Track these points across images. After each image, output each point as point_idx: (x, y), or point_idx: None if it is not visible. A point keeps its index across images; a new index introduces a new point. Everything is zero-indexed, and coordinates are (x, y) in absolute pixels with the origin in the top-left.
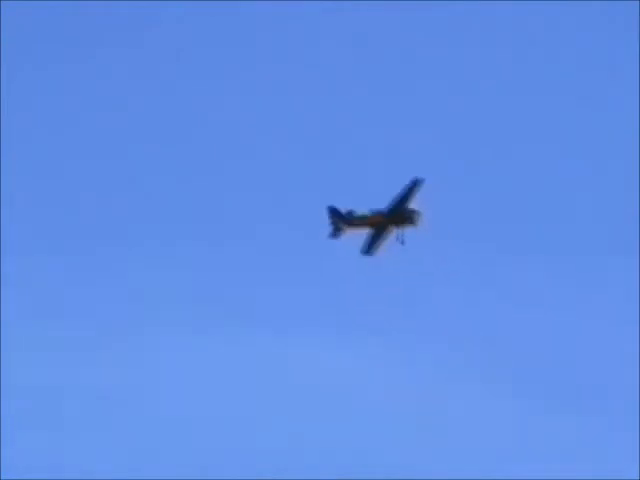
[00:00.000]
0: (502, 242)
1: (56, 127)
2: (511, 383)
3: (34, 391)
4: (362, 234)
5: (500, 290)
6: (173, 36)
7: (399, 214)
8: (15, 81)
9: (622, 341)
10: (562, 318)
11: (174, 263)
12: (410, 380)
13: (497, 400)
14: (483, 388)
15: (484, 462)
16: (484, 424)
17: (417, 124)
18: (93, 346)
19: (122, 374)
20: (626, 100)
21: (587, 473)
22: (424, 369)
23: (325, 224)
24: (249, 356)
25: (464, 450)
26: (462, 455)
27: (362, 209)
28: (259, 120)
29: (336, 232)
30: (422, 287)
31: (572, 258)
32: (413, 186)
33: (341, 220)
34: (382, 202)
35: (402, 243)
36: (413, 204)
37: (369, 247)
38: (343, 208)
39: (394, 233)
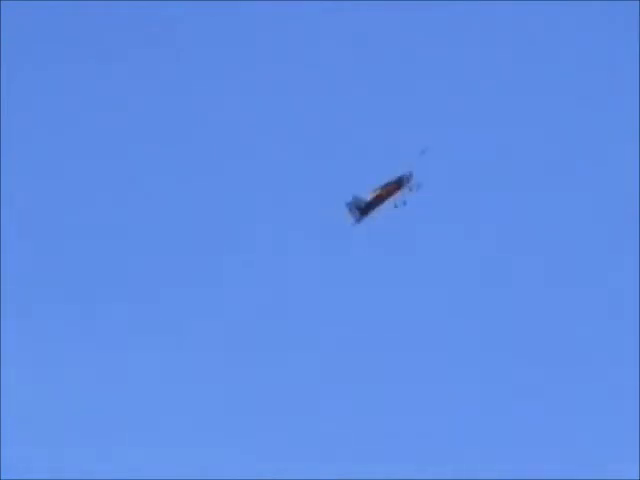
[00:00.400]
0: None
1: (55, 128)
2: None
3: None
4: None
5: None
6: (173, 36)
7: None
8: (15, 81)
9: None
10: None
11: None
12: None
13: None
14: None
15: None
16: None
17: (417, 124)
18: None
19: None
20: (626, 100)
21: (587, 473)
22: None
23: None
24: None
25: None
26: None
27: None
28: (258, 119)
29: (359, 219)
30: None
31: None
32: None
33: (361, 209)
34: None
35: (404, 204)
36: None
37: (363, 211)
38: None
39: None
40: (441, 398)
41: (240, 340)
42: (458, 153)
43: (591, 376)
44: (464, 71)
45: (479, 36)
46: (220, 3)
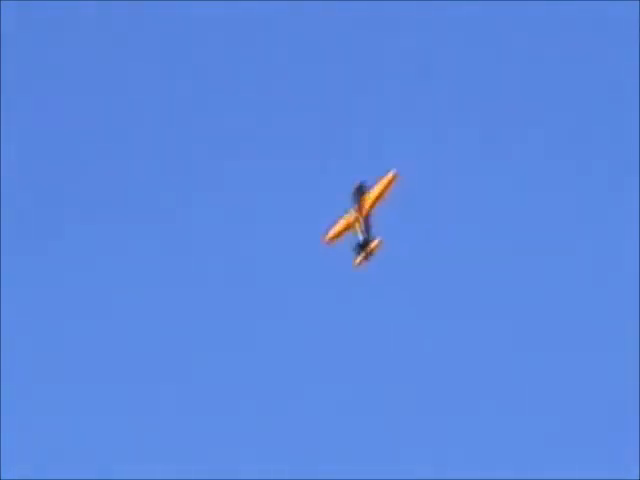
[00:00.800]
0: None
1: (56, 127)
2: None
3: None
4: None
5: None
6: (172, 35)
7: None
8: (15, 81)
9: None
10: None
11: None
12: None
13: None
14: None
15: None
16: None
17: (416, 124)
18: None
19: None
20: (626, 100)
21: (587, 473)
22: None
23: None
24: None
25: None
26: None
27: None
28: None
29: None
30: None
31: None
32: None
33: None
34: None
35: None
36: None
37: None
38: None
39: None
40: (441, 398)
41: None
42: (457, 153)
43: (591, 376)
44: (464, 71)
45: (479, 36)
46: (220, 3)
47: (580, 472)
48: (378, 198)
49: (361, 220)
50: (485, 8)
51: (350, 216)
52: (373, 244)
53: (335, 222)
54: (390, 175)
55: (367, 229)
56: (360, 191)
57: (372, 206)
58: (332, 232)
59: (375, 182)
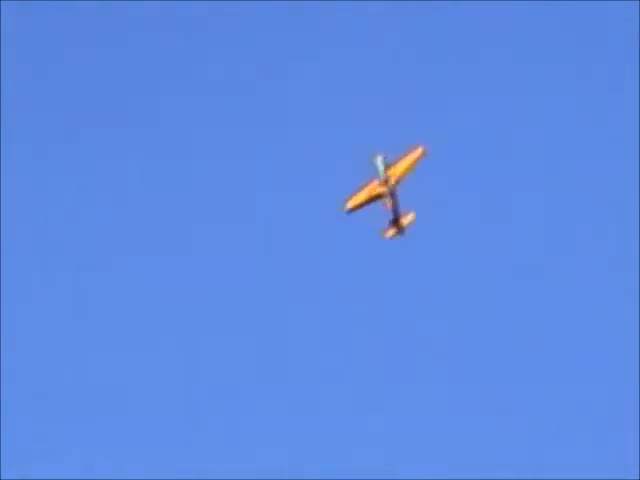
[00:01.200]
0: None
1: (56, 127)
2: None
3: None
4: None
5: None
6: (172, 35)
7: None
8: (15, 81)
9: None
10: None
11: None
12: None
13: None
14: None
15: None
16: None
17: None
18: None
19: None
20: (626, 100)
21: (587, 473)
22: None
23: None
24: None
25: None
26: None
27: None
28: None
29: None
30: None
31: None
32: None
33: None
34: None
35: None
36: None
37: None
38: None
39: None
40: (440, 397)
41: None
42: (457, 154)
43: (591, 375)
44: (463, 70)
45: (479, 36)
46: (220, 3)
47: (580, 472)
48: (405, 172)
49: (388, 194)
50: (485, 8)
51: (374, 187)
52: (406, 219)
53: (356, 191)
54: (419, 150)
55: (395, 204)
56: (384, 162)
57: (399, 180)
58: (354, 200)
59: (401, 156)
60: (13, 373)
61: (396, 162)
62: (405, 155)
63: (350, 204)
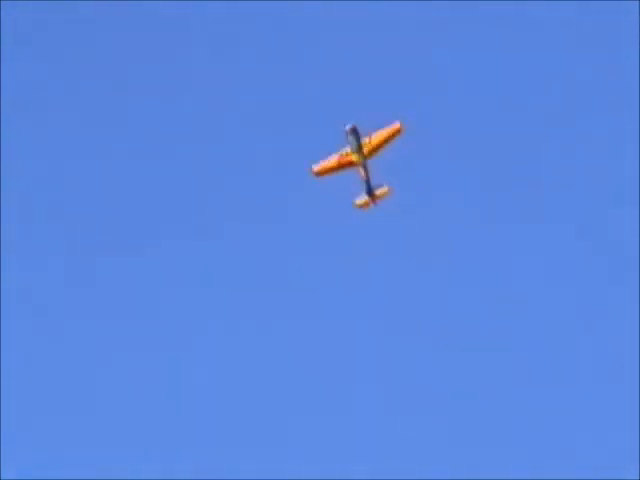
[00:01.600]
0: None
1: (55, 128)
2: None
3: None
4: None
5: None
6: (172, 35)
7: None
8: (15, 81)
9: None
10: None
11: None
12: None
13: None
14: None
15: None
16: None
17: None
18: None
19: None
20: (626, 100)
21: (587, 473)
22: None
23: None
24: None
25: None
26: None
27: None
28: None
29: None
30: None
31: None
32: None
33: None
34: None
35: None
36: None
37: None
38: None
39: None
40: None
41: None
42: (457, 154)
43: (591, 375)
44: (463, 71)
45: (479, 36)
46: (220, 3)
47: (580, 472)
48: (380, 146)
49: (360, 164)
50: (485, 8)
51: (344, 156)
52: (381, 191)
53: (327, 158)
54: (396, 125)
55: (368, 175)
56: (355, 133)
57: (373, 153)
58: (321, 166)
59: (378, 130)
60: (13, 373)
61: (372, 135)
62: (382, 129)
63: (318, 168)
